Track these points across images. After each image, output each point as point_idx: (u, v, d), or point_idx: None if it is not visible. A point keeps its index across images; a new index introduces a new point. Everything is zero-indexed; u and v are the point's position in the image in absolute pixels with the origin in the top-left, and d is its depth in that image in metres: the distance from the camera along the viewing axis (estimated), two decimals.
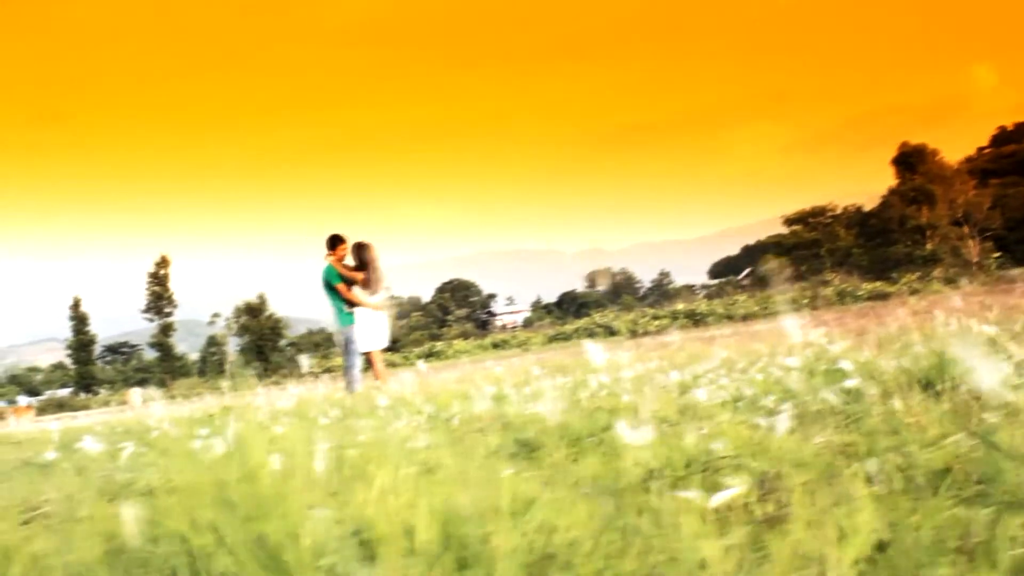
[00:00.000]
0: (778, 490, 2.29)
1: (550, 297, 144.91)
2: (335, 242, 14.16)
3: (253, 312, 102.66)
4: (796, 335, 4.34)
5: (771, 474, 2.46)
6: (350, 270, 14.01)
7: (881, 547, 1.70)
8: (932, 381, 3.98)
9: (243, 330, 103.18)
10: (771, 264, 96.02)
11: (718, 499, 2.08)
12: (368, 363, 14.11)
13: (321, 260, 14.20)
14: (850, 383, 3.70)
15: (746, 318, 55.73)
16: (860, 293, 58.06)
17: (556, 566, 1.61)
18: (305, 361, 11.28)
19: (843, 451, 2.86)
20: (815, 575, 1.60)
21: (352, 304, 13.91)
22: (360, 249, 14.12)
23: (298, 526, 1.69)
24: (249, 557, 1.67)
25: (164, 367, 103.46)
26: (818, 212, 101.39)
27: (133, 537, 1.84)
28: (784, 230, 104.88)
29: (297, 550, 1.66)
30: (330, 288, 14.02)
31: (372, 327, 13.99)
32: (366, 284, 13.97)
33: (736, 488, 2.14)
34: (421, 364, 7.55)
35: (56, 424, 14.45)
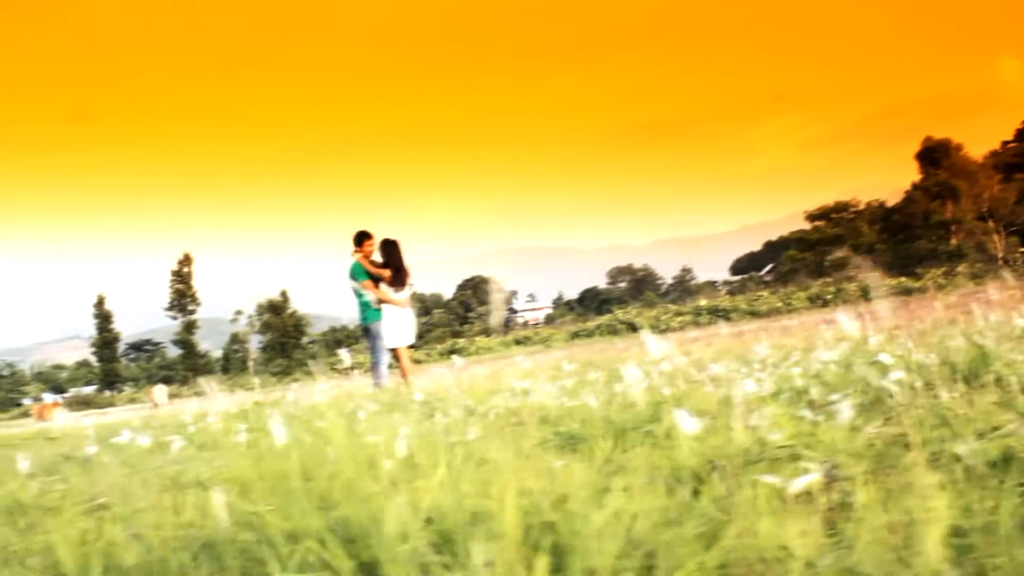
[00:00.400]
0: (840, 479, 2.29)
1: (572, 294, 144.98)
2: (362, 238, 14.17)
3: (276, 309, 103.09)
4: (833, 328, 4.33)
5: (831, 464, 2.46)
6: (377, 267, 14.03)
7: (957, 533, 1.71)
8: (976, 373, 3.96)
9: (266, 327, 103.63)
10: (793, 260, 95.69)
11: (799, 484, 2.08)
12: (395, 359, 14.15)
13: (347, 256, 14.22)
14: (896, 375, 3.68)
15: (769, 314, 55.56)
16: (884, 289, 57.69)
17: (643, 551, 1.61)
18: (346, 355, 11.27)
19: (895, 441, 2.85)
20: (896, 560, 1.60)
21: (379, 300, 13.94)
22: (387, 246, 14.15)
23: (379, 512, 1.71)
24: (333, 542, 1.69)
25: (187, 364, 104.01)
26: (841, 208, 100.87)
27: (221, 523, 1.86)
28: (807, 226, 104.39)
29: (380, 535, 1.68)
30: (357, 284, 14.05)
31: (399, 323, 14.02)
32: (393, 281, 14.00)
33: (815, 474, 2.14)
34: (457, 359, 7.52)
35: (88, 420, 14.58)
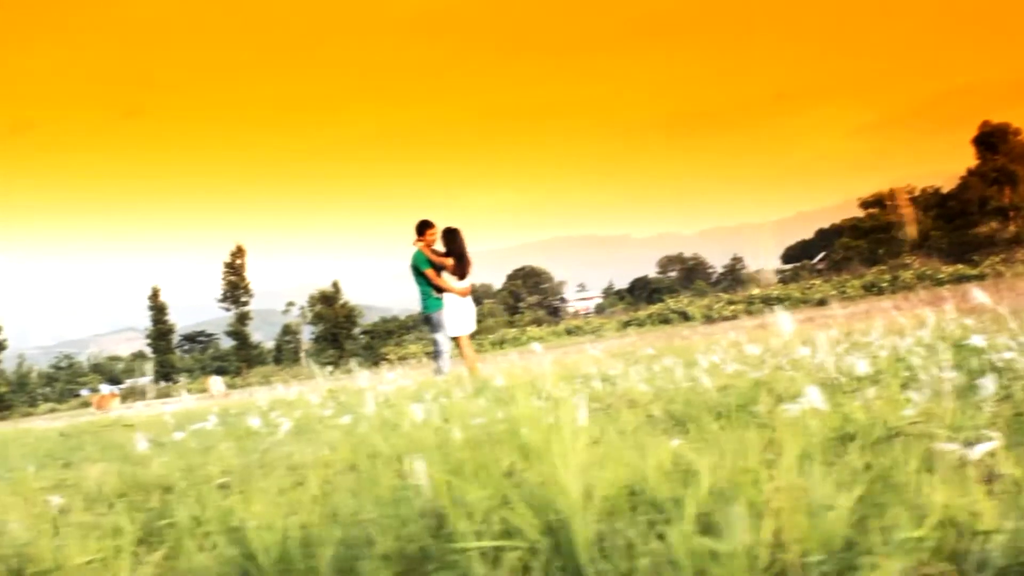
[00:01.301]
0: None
1: (622, 283, 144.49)
2: (424, 227, 14.23)
3: (328, 300, 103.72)
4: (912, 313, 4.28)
5: (973, 438, 2.43)
6: (439, 255, 14.09)
7: None
8: None
9: (317, 318, 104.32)
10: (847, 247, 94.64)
11: (979, 451, 2.06)
12: (457, 348, 14.22)
13: (407, 246, 14.29)
14: (1008, 355, 3.63)
15: (823, 302, 55.01)
16: (941, 276, 56.86)
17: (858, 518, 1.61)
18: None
19: (1016, 417, 2.82)
20: None
21: (440, 289, 14.00)
22: (450, 235, 14.21)
23: (565, 478, 1.73)
24: (521, 506, 1.72)
25: (240, 355, 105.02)
26: (896, 194, 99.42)
27: (424, 491, 1.89)
28: (860, 213, 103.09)
29: (567, 499, 1.69)
30: (419, 273, 14.11)
31: (460, 312, 14.09)
32: (455, 269, 14.05)
33: (994, 442, 2.12)
34: (536, 346, 7.52)
35: (168, 407, 14.86)
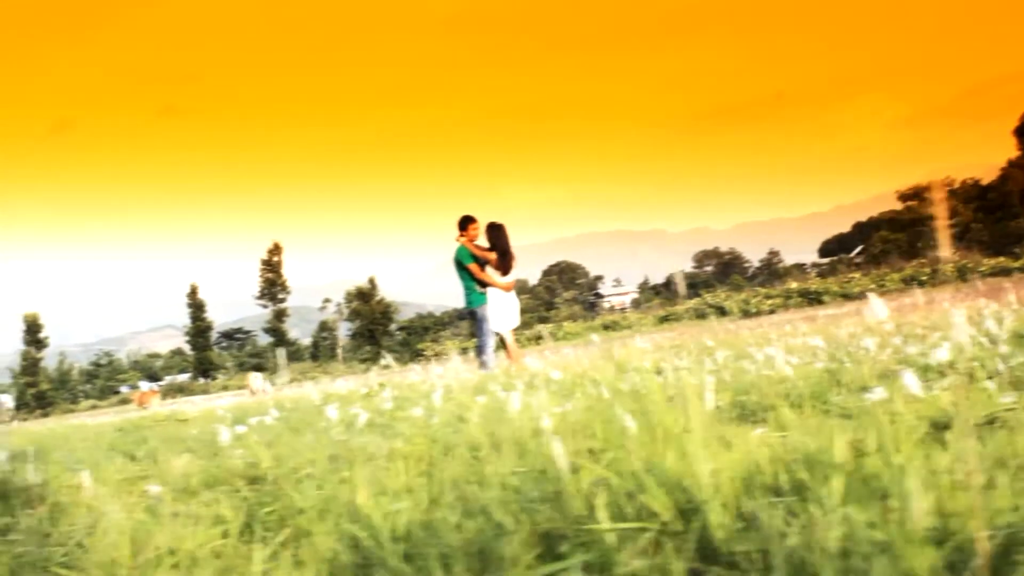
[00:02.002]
0: None
1: (657, 278, 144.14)
2: (467, 222, 14.22)
3: (364, 297, 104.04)
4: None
5: None
6: (482, 250, 14.09)
7: None
8: None
9: (354, 315, 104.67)
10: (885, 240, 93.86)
11: None
12: (500, 342, 14.22)
13: (451, 241, 14.29)
14: None
15: (862, 296, 54.60)
16: (982, 269, 56.21)
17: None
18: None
19: None
20: None
21: (484, 284, 14.00)
22: (493, 229, 14.20)
23: (693, 461, 1.75)
24: (654, 488, 1.74)
25: (277, 352, 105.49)
26: (933, 186, 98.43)
27: (562, 471, 1.91)
28: (898, 206, 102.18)
29: (695, 479, 1.71)
30: (462, 268, 14.12)
31: (504, 307, 14.08)
32: (498, 264, 14.05)
33: None
34: (595, 337, 7.50)
35: (221, 402, 15.03)
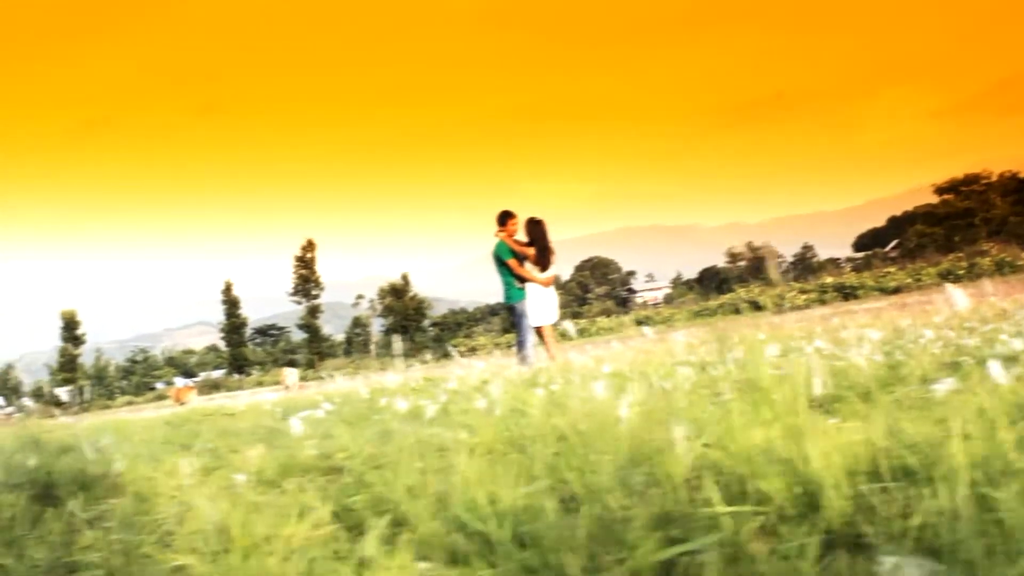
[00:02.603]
0: None
1: (690, 273, 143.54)
2: (505, 218, 14.22)
3: (397, 293, 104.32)
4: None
5: None
6: (521, 246, 14.09)
7: None
8: None
9: (387, 311, 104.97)
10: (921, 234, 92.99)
11: None
12: (539, 338, 14.22)
13: (486, 237, 14.29)
14: None
15: (898, 290, 54.15)
16: (1021, 263, 55.54)
17: None
18: (571, 327, 11.30)
19: None
20: None
21: (523, 279, 14.00)
22: (533, 225, 14.19)
23: (806, 445, 1.77)
24: (773, 474, 1.76)
25: (311, 348, 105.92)
26: (971, 180, 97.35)
27: (679, 455, 1.93)
28: (934, 199, 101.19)
29: (810, 465, 1.73)
30: (501, 263, 14.12)
31: (543, 302, 14.07)
32: (538, 260, 14.04)
33: None
34: (647, 330, 7.46)
35: (270, 396, 15.16)
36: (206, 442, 5.70)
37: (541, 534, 1.74)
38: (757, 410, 2.11)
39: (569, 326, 7.38)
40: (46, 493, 3.53)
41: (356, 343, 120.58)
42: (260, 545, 2.06)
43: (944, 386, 3.11)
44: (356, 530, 2.28)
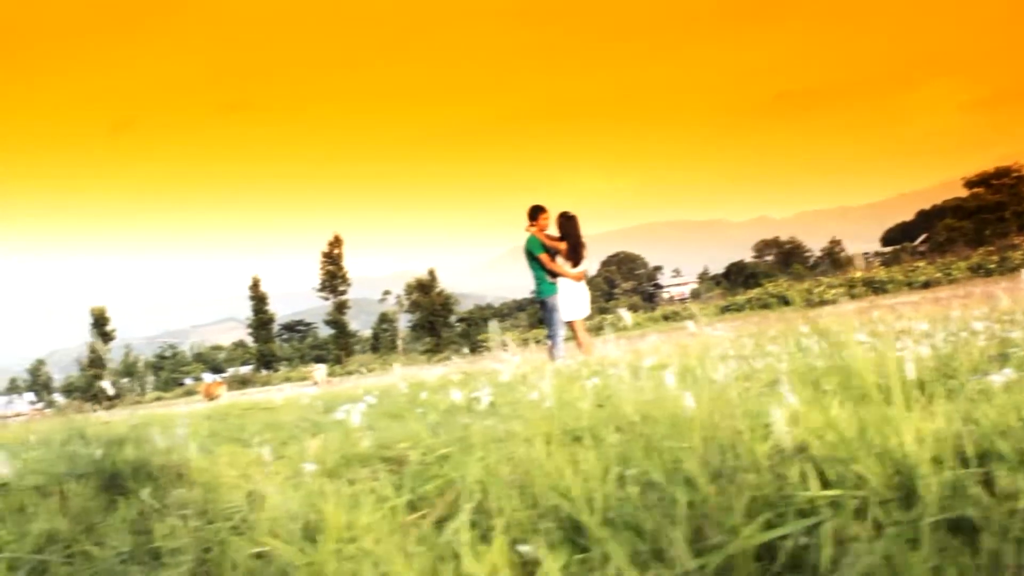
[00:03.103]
0: None
1: (717, 268, 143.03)
2: (537, 212, 14.23)
3: (424, 288, 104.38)
4: None
5: None
6: (553, 240, 14.10)
7: None
8: None
9: (414, 307, 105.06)
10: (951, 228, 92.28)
11: None
12: (571, 332, 14.24)
13: (522, 231, 14.31)
14: None
15: (927, 285, 53.79)
16: None
17: None
18: (626, 315, 11.29)
19: None
20: None
21: (554, 274, 14.02)
22: (565, 220, 14.21)
23: (900, 429, 1.79)
24: (868, 459, 1.78)
25: (339, 344, 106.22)
26: (1002, 173, 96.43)
27: (781, 437, 1.96)
28: (964, 193, 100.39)
29: (905, 450, 1.76)
30: (533, 258, 14.13)
31: (574, 297, 14.09)
32: (569, 254, 14.06)
33: None
34: (691, 324, 7.41)
35: (309, 390, 15.27)
36: (252, 435, 5.76)
37: (634, 518, 1.76)
38: (847, 394, 2.13)
39: (625, 315, 7.29)
40: (112, 483, 3.59)
41: (383, 339, 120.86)
42: (342, 532, 2.10)
43: (1001, 376, 3.12)
44: (432, 518, 2.30)
